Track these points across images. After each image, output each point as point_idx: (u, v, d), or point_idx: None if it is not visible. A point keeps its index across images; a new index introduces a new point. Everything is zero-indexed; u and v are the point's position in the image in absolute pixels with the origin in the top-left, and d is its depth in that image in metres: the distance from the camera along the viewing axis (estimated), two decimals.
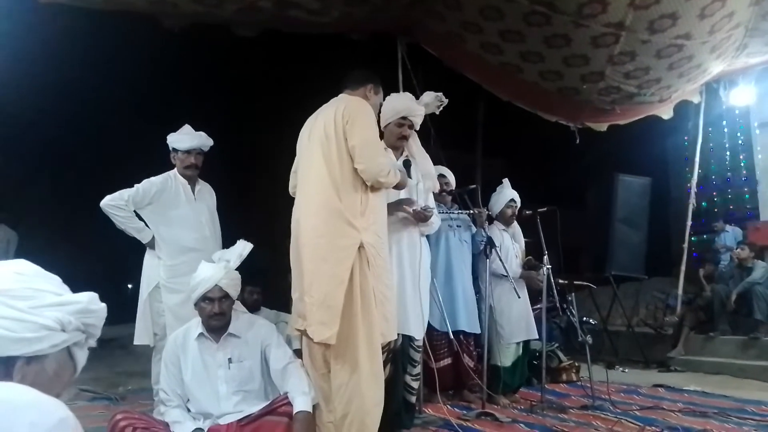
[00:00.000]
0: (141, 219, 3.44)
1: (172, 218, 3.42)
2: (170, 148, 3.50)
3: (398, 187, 2.90)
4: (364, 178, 2.61)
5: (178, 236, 3.40)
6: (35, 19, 4.89)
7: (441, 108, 3.34)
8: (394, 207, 3.06)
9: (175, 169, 3.51)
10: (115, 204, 3.34)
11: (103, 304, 1.03)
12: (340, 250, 2.51)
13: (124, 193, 3.35)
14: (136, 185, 3.39)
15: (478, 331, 4.14)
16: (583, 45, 4.70)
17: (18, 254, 6.52)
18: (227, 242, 3.36)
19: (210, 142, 3.53)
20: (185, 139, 3.46)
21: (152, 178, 3.44)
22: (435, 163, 3.56)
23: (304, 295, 2.54)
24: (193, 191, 3.52)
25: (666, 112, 6.24)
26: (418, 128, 3.28)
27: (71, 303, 0.96)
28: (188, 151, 3.44)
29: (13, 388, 0.78)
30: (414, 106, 3.21)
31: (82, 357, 0.99)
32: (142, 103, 9.29)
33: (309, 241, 2.58)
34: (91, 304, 1.00)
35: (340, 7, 4.65)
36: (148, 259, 3.49)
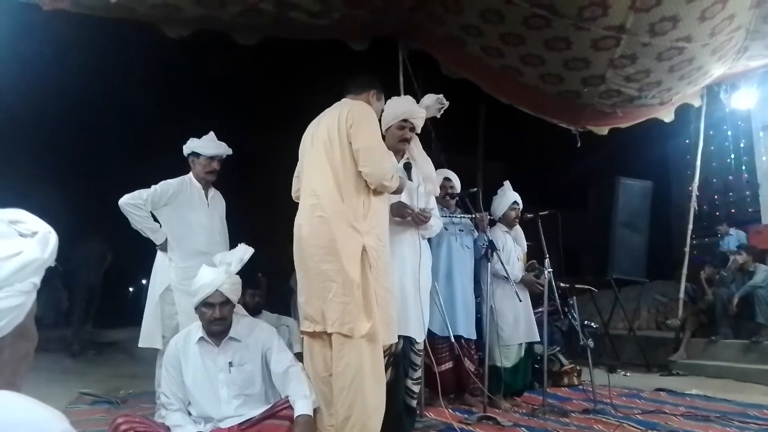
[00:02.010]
0: (156, 220, 3.48)
1: (186, 220, 3.47)
2: (189, 152, 3.55)
3: (396, 191, 2.91)
4: (369, 182, 2.61)
5: (191, 239, 3.45)
6: (39, 25, 4.91)
7: (442, 111, 3.35)
8: (395, 209, 3.05)
9: (190, 173, 3.56)
10: (134, 203, 3.37)
11: (54, 235, 0.85)
12: (346, 251, 2.51)
13: (142, 193, 3.39)
14: (153, 186, 3.43)
15: (475, 337, 4.14)
16: (584, 48, 4.70)
17: None
18: (230, 247, 3.38)
19: (229, 151, 3.62)
20: (211, 145, 3.54)
21: (169, 180, 3.48)
22: (436, 167, 3.56)
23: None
24: (207, 197, 3.57)
25: (667, 115, 6.24)
26: (419, 131, 3.28)
27: (30, 262, 0.80)
28: (212, 157, 3.53)
29: (6, 401, 0.73)
30: (415, 109, 3.22)
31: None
32: (146, 109, 9.34)
33: (314, 243, 2.58)
34: (46, 249, 0.82)
35: (340, 9, 4.65)
36: (159, 261, 3.51)
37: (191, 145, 3.54)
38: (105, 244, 7.93)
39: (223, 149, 3.57)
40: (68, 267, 8.31)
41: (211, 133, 3.60)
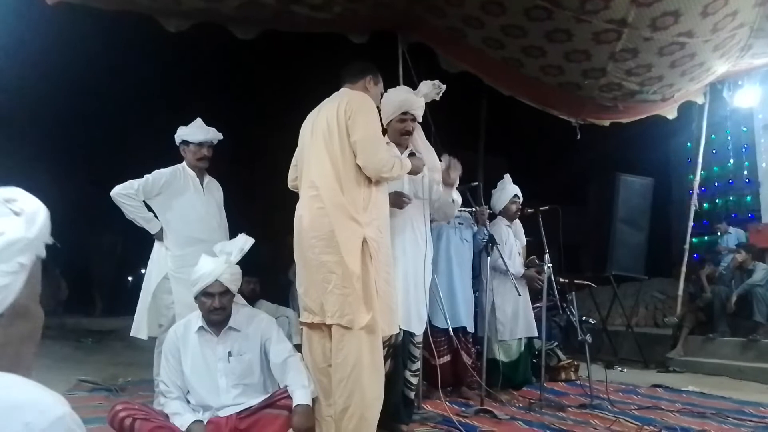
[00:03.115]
0: (150, 210, 3.48)
1: (181, 208, 3.46)
2: (179, 141, 3.54)
3: (413, 172, 2.92)
4: (367, 174, 2.61)
5: (186, 226, 3.44)
6: (39, 17, 4.90)
7: (440, 94, 3.31)
8: (392, 199, 3.02)
9: (184, 162, 3.55)
10: (126, 193, 3.38)
11: (44, 211, 0.83)
12: (346, 243, 2.52)
13: (134, 183, 3.40)
14: (145, 175, 3.43)
15: (473, 330, 4.16)
16: (585, 40, 4.69)
17: None
18: (230, 234, 3.39)
19: (219, 135, 3.59)
20: (198, 132, 3.52)
21: (161, 170, 3.48)
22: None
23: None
24: (202, 184, 3.56)
25: (670, 112, 6.22)
26: (420, 120, 3.27)
27: (14, 242, 0.78)
28: (200, 144, 3.50)
29: (8, 383, 0.73)
30: (413, 99, 3.19)
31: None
32: (146, 100, 9.33)
33: (314, 234, 2.58)
34: (32, 228, 0.80)
35: (341, 2, 4.63)
36: (156, 251, 3.52)
37: (180, 134, 3.53)
38: (117, 236, 8.11)
39: (211, 135, 3.53)
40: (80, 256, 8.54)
41: (198, 120, 3.56)
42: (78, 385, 4.31)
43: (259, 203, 9.33)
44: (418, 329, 3.21)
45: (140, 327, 3.44)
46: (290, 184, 2.95)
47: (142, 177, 3.44)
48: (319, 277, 2.56)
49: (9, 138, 8.46)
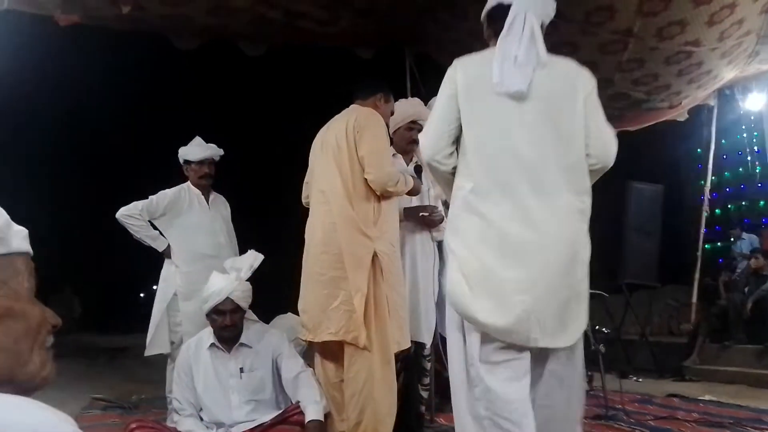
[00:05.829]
0: (157, 229, 3.52)
1: (186, 226, 3.50)
2: (182, 161, 3.58)
3: (412, 193, 2.92)
4: (374, 188, 2.63)
5: (193, 243, 3.47)
6: (49, 37, 4.99)
7: None
8: (410, 213, 3.07)
9: (189, 181, 3.59)
10: (129, 214, 3.43)
11: None
12: (356, 259, 2.53)
13: (138, 204, 3.45)
14: (150, 196, 3.48)
15: None
16: (591, 52, 4.70)
17: None
18: (241, 253, 3.40)
19: (221, 151, 3.62)
20: (197, 150, 3.55)
21: (166, 190, 3.52)
22: None
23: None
24: (207, 201, 3.59)
25: (681, 116, 6.20)
26: None
27: None
28: (201, 162, 3.53)
29: (9, 406, 0.69)
30: (423, 110, 3.22)
31: (21, 245, 0.80)
32: (156, 117, 9.46)
33: (324, 249, 2.60)
34: None
35: (348, 17, 4.70)
36: (166, 268, 3.55)
37: (181, 153, 3.58)
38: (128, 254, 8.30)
39: (211, 151, 3.57)
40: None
41: (197, 138, 3.61)
42: (92, 403, 4.33)
43: (271, 218, 9.38)
44: (428, 340, 3.20)
45: (154, 344, 3.46)
46: (305, 201, 2.97)
47: (146, 196, 3.49)
48: (324, 293, 2.57)
49: (20, 158, 8.61)
